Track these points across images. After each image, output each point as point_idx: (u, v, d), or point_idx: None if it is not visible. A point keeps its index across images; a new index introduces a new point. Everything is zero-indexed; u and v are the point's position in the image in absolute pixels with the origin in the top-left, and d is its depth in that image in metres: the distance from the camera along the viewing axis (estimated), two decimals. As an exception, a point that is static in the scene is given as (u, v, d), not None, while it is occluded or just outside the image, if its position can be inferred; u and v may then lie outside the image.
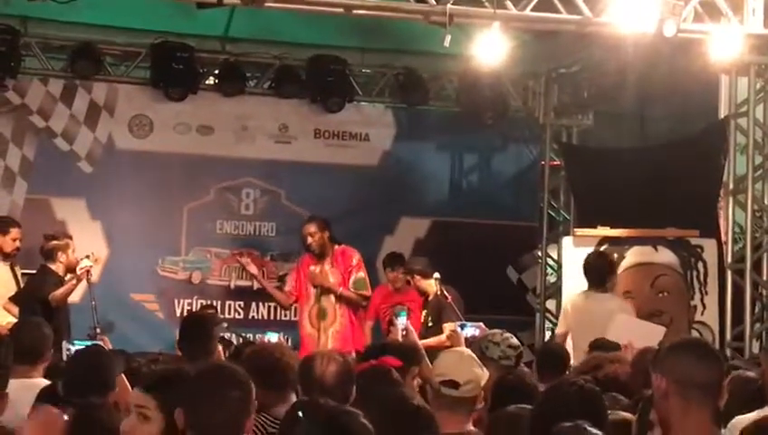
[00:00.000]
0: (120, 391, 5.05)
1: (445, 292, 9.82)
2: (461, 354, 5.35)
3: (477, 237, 12.19)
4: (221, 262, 11.91)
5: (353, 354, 8.60)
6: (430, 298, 10.10)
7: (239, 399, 3.73)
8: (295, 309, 11.57)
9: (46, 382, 5.45)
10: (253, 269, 10.55)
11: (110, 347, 6.60)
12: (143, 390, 3.90)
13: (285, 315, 11.76)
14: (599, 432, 3.56)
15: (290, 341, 10.57)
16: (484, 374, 5.15)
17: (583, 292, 9.42)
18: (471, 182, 12.80)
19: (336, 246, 10.13)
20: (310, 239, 9.99)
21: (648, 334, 8.17)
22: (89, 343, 6.89)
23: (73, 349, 6.46)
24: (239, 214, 11.99)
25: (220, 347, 6.37)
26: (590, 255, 9.73)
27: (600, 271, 9.39)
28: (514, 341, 7.21)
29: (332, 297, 9.96)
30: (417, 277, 10.22)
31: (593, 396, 4.11)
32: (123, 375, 5.33)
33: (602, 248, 10.29)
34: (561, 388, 4.20)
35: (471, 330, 8.22)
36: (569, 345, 8.62)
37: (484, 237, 12.19)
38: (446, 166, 12.62)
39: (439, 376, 5.07)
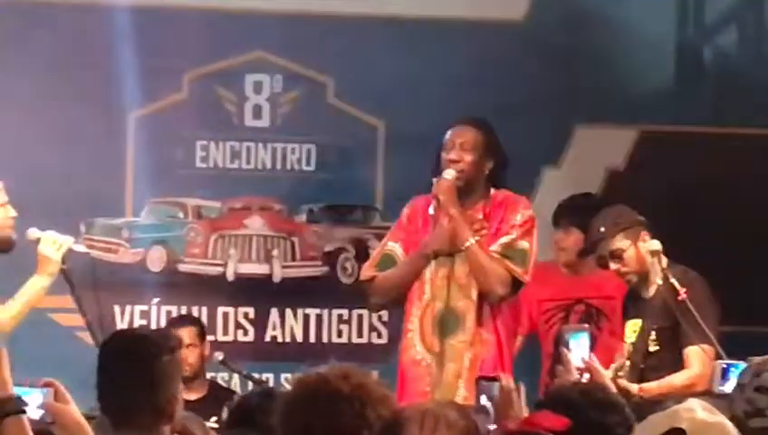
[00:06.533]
0: None
1: (674, 280, 7.27)
2: (722, 426, 3.74)
3: (734, 165, 8.91)
4: (207, 226, 8.45)
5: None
6: (649, 293, 7.56)
7: None
8: (371, 327, 9.23)
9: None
10: None
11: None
12: None
13: (340, 335, 8.92)
14: None
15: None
16: None
17: None
18: (718, 52, 9.33)
19: (493, 191, 7.87)
20: (460, 154, 7.43)
21: None
22: None
23: None
24: (241, 126, 8.55)
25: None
26: None
27: None
28: None
29: (473, 292, 7.60)
30: (628, 243, 7.41)
31: None
32: None
33: None
34: None
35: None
36: None
37: (748, 165, 8.91)
38: (662, 20, 9.12)
39: None
